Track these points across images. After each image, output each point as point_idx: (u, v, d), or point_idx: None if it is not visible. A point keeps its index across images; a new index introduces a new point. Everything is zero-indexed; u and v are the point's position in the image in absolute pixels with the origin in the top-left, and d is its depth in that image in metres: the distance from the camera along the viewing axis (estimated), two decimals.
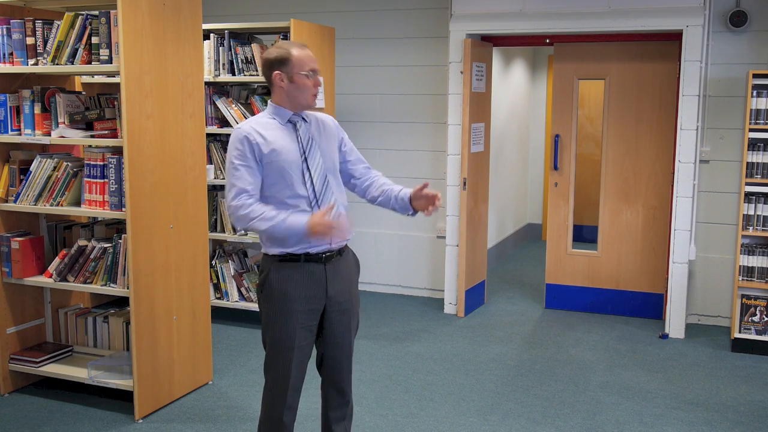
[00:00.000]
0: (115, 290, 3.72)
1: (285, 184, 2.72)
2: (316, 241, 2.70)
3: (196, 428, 3.69)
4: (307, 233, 2.64)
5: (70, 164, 3.79)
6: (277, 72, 2.74)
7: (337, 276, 2.81)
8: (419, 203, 2.82)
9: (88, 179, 3.69)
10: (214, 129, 5.09)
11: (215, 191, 5.25)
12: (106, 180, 3.65)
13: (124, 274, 3.68)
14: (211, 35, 5.05)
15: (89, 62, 3.64)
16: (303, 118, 2.81)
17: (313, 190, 2.73)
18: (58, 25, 3.66)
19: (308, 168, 2.74)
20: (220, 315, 5.42)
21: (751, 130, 4.78)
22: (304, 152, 2.75)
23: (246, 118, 4.99)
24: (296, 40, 4.84)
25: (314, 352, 2.93)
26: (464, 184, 5.52)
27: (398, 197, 2.88)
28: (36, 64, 3.77)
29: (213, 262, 5.20)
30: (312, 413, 3.75)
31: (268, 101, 2.84)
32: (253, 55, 5.00)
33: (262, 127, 2.74)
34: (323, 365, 2.93)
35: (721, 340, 5.12)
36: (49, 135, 3.79)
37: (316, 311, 2.79)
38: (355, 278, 2.94)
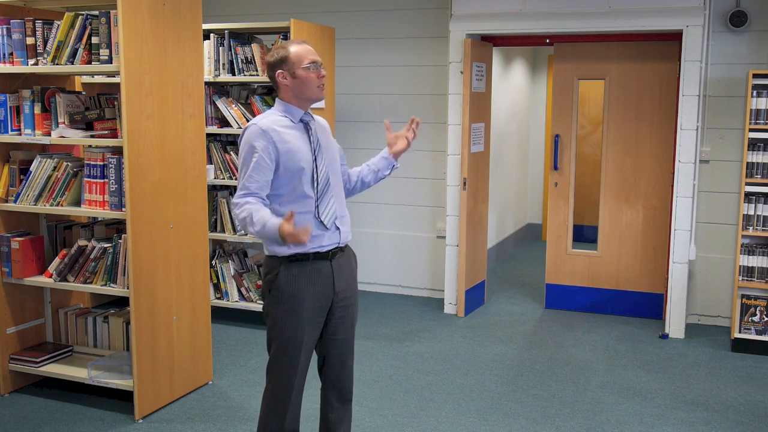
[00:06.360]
0: (115, 290, 3.72)
1: (297, 184, 2.71)
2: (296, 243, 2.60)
3: (196, 428, 3.69)
4: (280, 240, 2.55)
5: (70, 164, 3.79)
6: (279, 71, 2.74)
7: (342, 271, 2.84)
8: (398, 146, 2.92)
9: (88, 179, 3.69)
10: (214, 129, 5.09)
11: (215, 191, 5.25)
12: (106, 180, 3.65)
13: (124, 274, 3.68)
14: (211, 35, 5.05)
15: (89, 62, 3.63)
16: (313, 118, 2.83)
17: (317, 191, 2.74)
18: (58, 25, 3.66)
19: (317, 169, 2.74)
20: (220, 315, 5.42)
21: (751, 130, 4.78)
22: (315, 153, 2.76)
23: (246, 118, 5.03)
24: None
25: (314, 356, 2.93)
26: (464, 184, 5.52)
27: (373, 164, 2.96)
28: (36, 64, 3.77)
29: (213, 262, 5.19)
30: (312, 413, 3.75)
31: (276, 98, 2.82)
32: (253, 55, 5.00)
33: (277, 124, 2.73)
34: (325, 365, 2.91)
35: (721, 340, 5.12)
36: (49, 135, 3.79)
37: (324, 308, 2.80)
38: (355, 272, 2.97)
